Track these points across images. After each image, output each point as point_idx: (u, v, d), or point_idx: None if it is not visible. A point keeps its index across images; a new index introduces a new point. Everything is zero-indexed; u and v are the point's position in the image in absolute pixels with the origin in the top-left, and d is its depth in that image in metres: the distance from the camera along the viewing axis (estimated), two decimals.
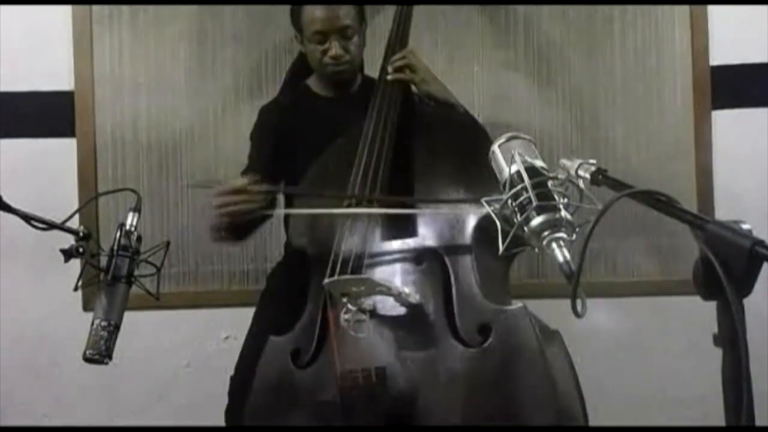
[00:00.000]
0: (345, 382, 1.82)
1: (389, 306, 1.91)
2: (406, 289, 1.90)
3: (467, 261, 1.95)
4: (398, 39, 2.34)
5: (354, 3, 2.36)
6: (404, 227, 2.03)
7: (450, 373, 1.84)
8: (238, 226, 2.18)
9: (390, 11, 2.45)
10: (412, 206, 2.07)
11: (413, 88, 2.31)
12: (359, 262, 1.96)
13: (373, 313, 1.89)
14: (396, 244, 2.01)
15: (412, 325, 1.91)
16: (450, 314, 1.90)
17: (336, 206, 2.08)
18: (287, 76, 2.57)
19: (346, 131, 2.24)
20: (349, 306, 1.87)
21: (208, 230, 2.22)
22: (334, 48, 2.27)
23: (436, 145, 2.19)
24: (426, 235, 2.01)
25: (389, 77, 2.25)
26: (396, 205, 2.08)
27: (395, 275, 1.96)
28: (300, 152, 2.32)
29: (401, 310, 1.91)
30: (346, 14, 2.28)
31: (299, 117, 2.40)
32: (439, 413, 1.82)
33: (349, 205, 2.06)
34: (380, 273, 1.97)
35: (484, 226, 1.93)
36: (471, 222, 1.98)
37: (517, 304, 1.89)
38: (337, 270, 1.93)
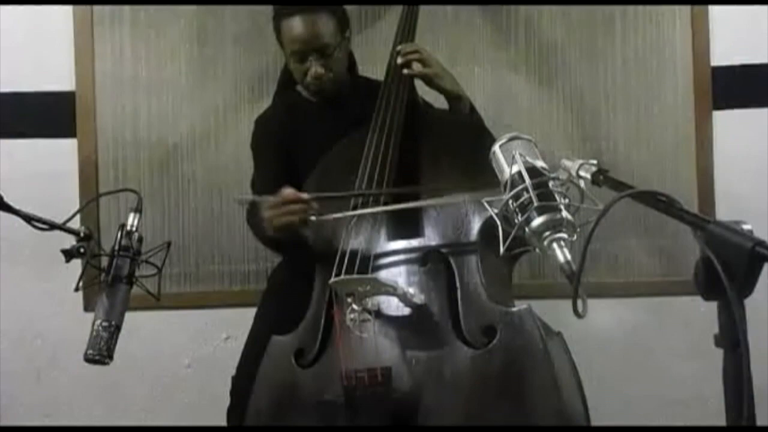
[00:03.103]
0: (350, 381, 1.82)
1: (394, 306, 1.91)
2: (411, 290, 1.90)
3: (472, 262, 1.95)
4: (405, 40, 2.33)
5: (355, 3, 2.36)
6: (409, 227, 2.03)
7: (454, 374, 1.83)
8: (287, 239, 2.13)
9: (391, 12, 2.45)
10: (418, 200, 2.06)
11: (424, 83, 2.29)
12: (365, 262, 1.96)
13: (377, 314, 1.90)
14: (401, 245, 2.01)
15: (416, 325, 1.90)
16: (455, 315, 1.89)
17: (343, 208, 2.07)
18: (278, 86, 2.56)
19: (343, 132, 2.24)
20: (354, 306, 1.87)
21: (263, 244, 2.29)
22: (315, 67, 2.25)
23: (442, 147, 2.18)
24: (431, 236, 2.01)
25: (405, 72, 2.23)
26: (404, 200, 2.06)
27: (400, 276, 1.96)
28: (301, 156, 2.32)
29: (406, 311, 1.91)
30: (324, 32, 2.24)
31: (295, 122, 2.40)
32: (443, 414, 1.81)
33: (355, 207, 2.06)
34: (385, 273, 1.97)
35: (489, 226, 1.92)
36: (476, 223, 1.98)
37: (521, 306, 1.89)
38: (344, 270, 1.94)
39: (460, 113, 2.31)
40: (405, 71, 2.24)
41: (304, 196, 2.04)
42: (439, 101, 2.38)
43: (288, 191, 2.05)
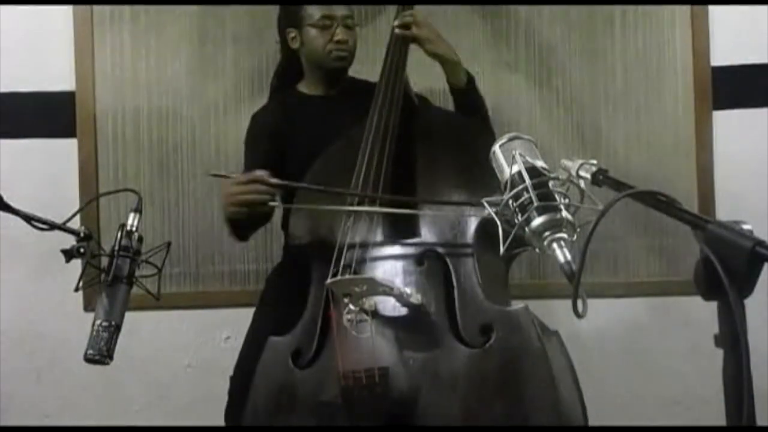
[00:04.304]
0: (348, 382, 1.82)
1: (391, 306, 1.91)
2: (408, 290, 1.90)
3: (469, 261, 1.95)
4: (400, 40, 2.33)
5: (355, 3, 2.37)
6: (406, 227, 2.03)
7: (452, 374, 1.83)
8: (244, 221, 2.17)
9: (389, 14, 2.45)
10: (415, 207, 2.07)
11: (421, 47, 2.29)
12: (361, 262, 1.96)
13: (374, 314, 1.89)
14: (397, 245, 2.01)
15: (414, 325, 1.90)
16: (452, 315, 1.89)
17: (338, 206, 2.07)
18: (273, 84, 2.57)
19: (338, 131, 2.25)
20: (351, 306, 1.87)
21: (223, 224, 2.24)
22: (340, 33, 2.32)
23: (438, 147, 2.18)
24: (427, 236, 2.01)
25: (396, 31, 2.27)
26: (400, 205, 2.07)
27: (397, 275, 1.96)
28: (297, 153, 2.32)
29: (403, 311, 1.91)
30: (350, 8, 2.37)
31: (293, 118, 2.41)
32: (441, 414, 1.82)
33: (351, 205, 2.06)
34: (382, 273, 1.97)
35: (486, 226, 1.93)
36: (473, 222, 1.98)
37: (518, 305, 1.89)
38: (340, 270, 1.94)
39: (458, 84, 2.31)
40: (397, 31, 2.26)
41: (273, 180, 2.06)
42: (434, 96, 2.38)
43: (260, 171, 2.08)
